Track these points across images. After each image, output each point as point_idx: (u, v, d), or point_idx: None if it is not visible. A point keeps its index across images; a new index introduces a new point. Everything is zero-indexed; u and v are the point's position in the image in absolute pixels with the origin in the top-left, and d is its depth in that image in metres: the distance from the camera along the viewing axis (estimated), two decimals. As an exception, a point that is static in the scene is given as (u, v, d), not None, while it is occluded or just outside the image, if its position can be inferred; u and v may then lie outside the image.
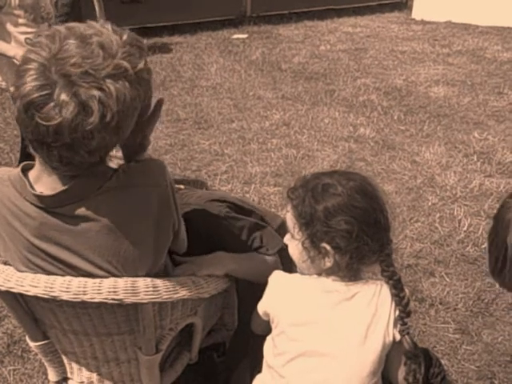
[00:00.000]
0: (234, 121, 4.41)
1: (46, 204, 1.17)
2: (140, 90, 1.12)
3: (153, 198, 1.20)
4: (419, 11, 8.33)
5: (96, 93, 1.03)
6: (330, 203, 1.25)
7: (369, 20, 8.40)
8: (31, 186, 1.19)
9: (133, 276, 1.26)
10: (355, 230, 1.23)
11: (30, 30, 2.73)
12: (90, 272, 1.24)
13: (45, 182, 1.19)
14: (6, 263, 1.31)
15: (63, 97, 1.01)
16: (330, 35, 7.39)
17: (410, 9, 8.65)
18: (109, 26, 1.11)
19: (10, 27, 2.72)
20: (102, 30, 1.08)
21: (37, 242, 1.22)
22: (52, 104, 1.02)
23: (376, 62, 6.05)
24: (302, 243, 1.29)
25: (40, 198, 1.17)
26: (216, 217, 1.56)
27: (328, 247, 1.25)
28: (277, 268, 1.55)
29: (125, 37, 1.10)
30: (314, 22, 8.15)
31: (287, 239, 1.36)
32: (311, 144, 3.96)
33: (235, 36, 7.33)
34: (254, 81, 5.40)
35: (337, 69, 5.80)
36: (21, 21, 2.72)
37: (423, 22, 8.06)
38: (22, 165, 1.22)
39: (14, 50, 2.63)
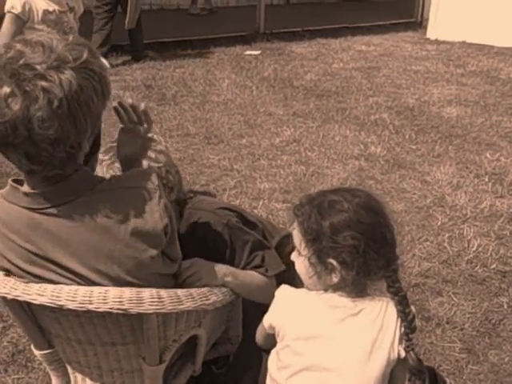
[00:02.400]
0: (244, 137, 4.43)
1: (39, 202, 1.20)
2: (92, 81, 1.15)
3: (143, 198, 1.25)
4: (434, 31, 8.36)
5: (39, 82, 1.09)
6: (336, 219, 1.26)
7: (383, 39, 8.45)
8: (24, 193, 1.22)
9: (130, 277, 1.27)
10: (361, 245, 1.24)
11: None
12: (84, 275, 1.26)
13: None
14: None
15: (7, 90, 1.08)
16: (343, 53, 7.43)
17: (425, 28, 8.69)
18: (55, 32, 1.18)
19: None
20: (43, 33, 1.15)
21: (30, 247, 1.24)
22: (3, 103, 1.09)
23: (389, 81, 6.07)
24: (309, 259, 1.30)
25: (32, 196, 1.21)
26: (224, 225, 1.58)
27: (334, 263, 1.26)
28: (271, 291, 1.55)
29: (70, 38, 1.16)
30: (327, 40, 8.20)
31: (294, 256, 1.37)
32: (321, 161, 3.97)
33: (248, 52, 7.38)
34: (266, 97, 5.43)
35: (349, 87, 5.82)
36: None
37: (437, 42, 8.09)
38: (12, 179, 1.27)
39: None
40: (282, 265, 1.65)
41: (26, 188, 1.23)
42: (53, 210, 1.20)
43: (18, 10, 2.70)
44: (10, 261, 1.28)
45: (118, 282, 1.27)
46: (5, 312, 2.33)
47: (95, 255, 1.24)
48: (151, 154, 1.57)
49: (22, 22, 2.74)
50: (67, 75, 1.11)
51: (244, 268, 1.60)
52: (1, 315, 2.34)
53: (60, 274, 1.27)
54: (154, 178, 1.28)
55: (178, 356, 1.53)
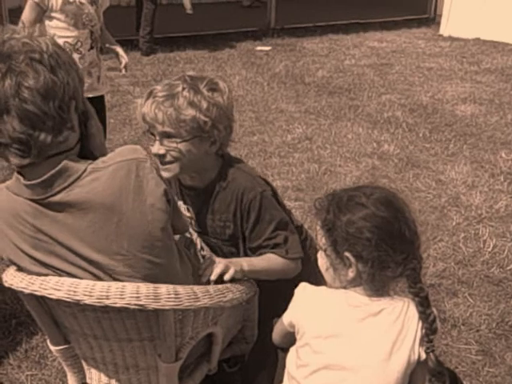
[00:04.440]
0: (255, 134, 4.41)
1: (39, 192, 1.22)
2: (66, 55, 1.23)
3: (135, 167, 1.26)
4: (447, 27, 8.27)
5: (16, 44, 1.16)
6: (352, 212, 1.27)
7: (395, 35, 8.38)
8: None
9: (141, 253, 1.27)
10: (375, 238, 1.24)
11: (69, 34, 2.78)
12: (95, 260, 1.25)
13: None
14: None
15: None
16: (355, 49, 7.38)
17: (438, 25, 8.60)
18: None
19: (50, 30, 2.77)
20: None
21: (42, 236, 1.24)
22: None
23: (402, 78, 6.02)
24: (325, 251, 1.31)
25: (31, 187, 1.22)
26: (259, 193, 1.58)
27: (350, 256, 1.26)
28: (297, 269, 1.61)
29: None
30: (339, 36, 8.14)
31: (318, 254, 1.38)
32: (334, 159, 3.94)
33: (258, 48, 7.34)
34: (277, 94, 5.40)
35: (361, 84, 5.78)
36: (61, 25, 2.76)
37: (451, 39, 8.00)
38: (17, 170, 1.27)
39: None
40: (302, 252, 1.64)
41: (24, 180, 1.24)
42: (53, 199, 1.22)
43: None
44: (25, 252, 1.27)
45: (132, 261, 1.26)
46: (18, 308, 2.33)
47: (103, 235, 1.24)
48: (203, 103, 1.52)
49: (42, 10, 2.73)
50: (44, 39, 1.19)
51: (264, 242, 1.60)
52: (14, 312, 2.33)
53: (74, 264, 1.26)
54: (141, 150, 1.31)
55: (198, 355, 1.52)
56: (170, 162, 1.56)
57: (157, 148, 1.54)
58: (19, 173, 1.26)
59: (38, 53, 1.16)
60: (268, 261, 1.59)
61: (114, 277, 1.27)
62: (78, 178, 1.22)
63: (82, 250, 1.25)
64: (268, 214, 1.58)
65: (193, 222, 1.74)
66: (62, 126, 1.20)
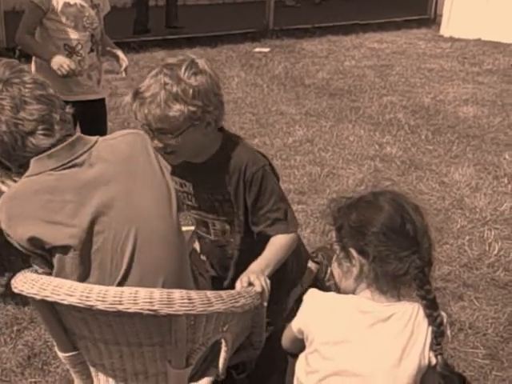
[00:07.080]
0: (256, 136, 4.38)
1: (64, 157, 1.37)
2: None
3: (140, 138, 1.49)
4: (448, 28, 8.25)
5: None
6: (359, 210, 1.33)
7: (395, 36, 8.35)
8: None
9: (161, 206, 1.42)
10: (376, 232, 1.28)
11: (69, 36, 2.77)
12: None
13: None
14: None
15: None
16: (355, 51, 7.36)
17: (439, 25, 8.56)
18: None
19: (50, 32, 2.76)
20: None
21: (70, 197, 1.34)
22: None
23: (403, 80, 6.01)
24: (331, 245, 1.37)
25: (55, 154, 1.37)
26: (260, 167, 1.65)
27: (353, 251, 1.30)
28: (297, 240, 1.72)
29: None
30: (339, 37, 8.10)
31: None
32: (336, 162, 3.93)
33: (257, 49, 7.27)
34: (277, 96, 5.38)
35: (362, 85, 5.77)
36: (61, 27, 2.75)
37: (452, 40, 7.98)
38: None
39: (49, 55, 2.66)
40: (298, 223, 1.77)
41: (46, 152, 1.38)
42: (76, 161, 1.37)
43: None
44: (54, 222, 1.32)
45: (157, 210, 1.41)
46: (20, 314, 2.31)
47: (126, 186, 1.39)
48: (189, 92, 1.53)
49: (42, 12, 2.71)
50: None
51: (266, 214, 1.66)
52: (15, 318, 2.31)
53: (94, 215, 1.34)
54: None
55: (202, 360, 1.50)
56: (171, 153, 1.62)
57: (155, 143, 1.60)
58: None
59: (17, 65, 1.42)
60: (276, 250, 1.65)
61: (129, 235, 1.36)
62: (93, 145, 1.41)
63: (104, 196, 1.35)
64: (270, 186, 1.66)
65: (189, 196, 1.77)
66: (64, 107, 1.44)
